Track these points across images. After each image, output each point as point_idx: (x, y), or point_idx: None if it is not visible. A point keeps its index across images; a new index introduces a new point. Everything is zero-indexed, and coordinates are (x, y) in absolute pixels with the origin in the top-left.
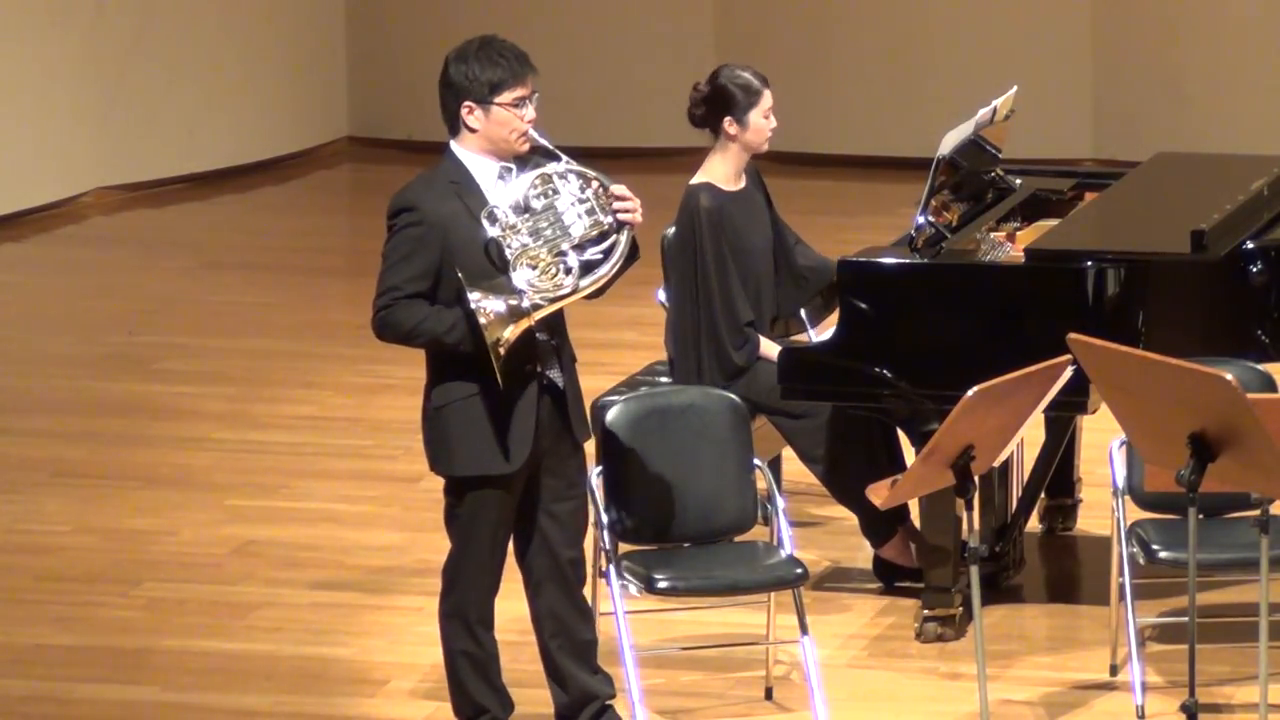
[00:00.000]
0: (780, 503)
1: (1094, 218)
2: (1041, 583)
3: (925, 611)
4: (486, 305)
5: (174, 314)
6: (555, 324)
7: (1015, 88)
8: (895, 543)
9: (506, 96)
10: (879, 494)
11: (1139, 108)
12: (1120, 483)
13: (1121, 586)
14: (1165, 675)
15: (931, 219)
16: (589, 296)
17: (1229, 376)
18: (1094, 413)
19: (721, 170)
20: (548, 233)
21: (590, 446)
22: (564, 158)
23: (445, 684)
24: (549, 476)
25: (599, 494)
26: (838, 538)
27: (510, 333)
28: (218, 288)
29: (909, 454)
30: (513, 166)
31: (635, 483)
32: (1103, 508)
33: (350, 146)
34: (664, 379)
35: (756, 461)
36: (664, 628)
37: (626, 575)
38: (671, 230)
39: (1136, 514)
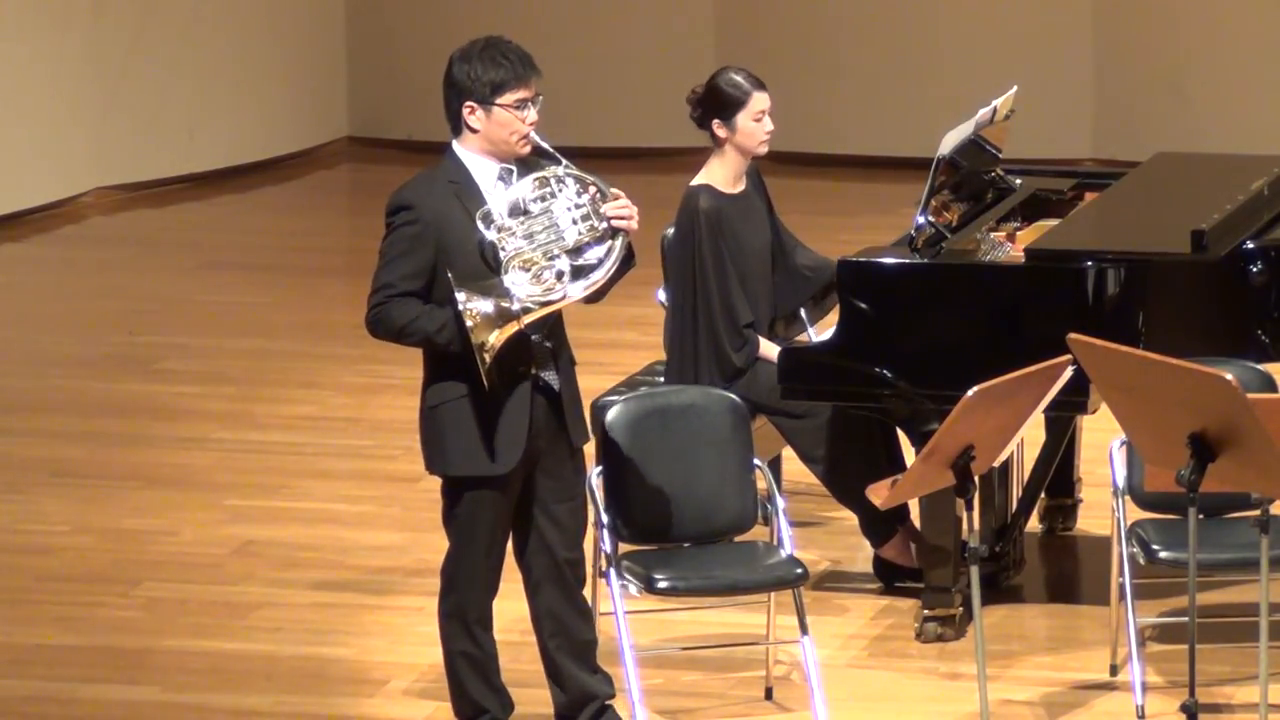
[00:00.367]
0: (780, 503)
1: (1094, 218)
2: (1041, 583)
3: (925, 611)
4: (474, 306)
5: (174, 314)
6: (553, 327)
7: (1015, 88)
8: (895, 543)
9: (508, 98)
10: (879, 494)
11: (1139, 108)
12: (1120, 483)
13: (1121, 586)
14: (1165, 675)
15: (931, 219)
16: (584, 301)
17: (1229, 376)
18: (1094, 413)
19: (720, 172)
20: (542, 236)
21: (590, 446)
22: (564, 161)
23: (445, 684)
24: (546, 478)
25: (599, 494)
26: (838, 538)
27: (496, 337)
28: (218, 288)
29: (909, 454)
30: (513, 169)
31: (635, 483)
32: (1103, 508)
33: (350, 146)
34: (663, 379)
35: (756, 461)
36: (664, 628)
37: (626, 575)
38: (671, 231)
39: (1136, 514)
